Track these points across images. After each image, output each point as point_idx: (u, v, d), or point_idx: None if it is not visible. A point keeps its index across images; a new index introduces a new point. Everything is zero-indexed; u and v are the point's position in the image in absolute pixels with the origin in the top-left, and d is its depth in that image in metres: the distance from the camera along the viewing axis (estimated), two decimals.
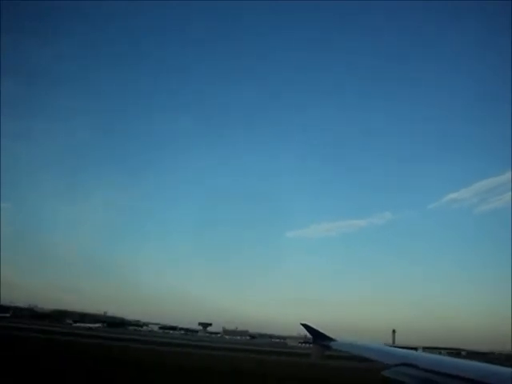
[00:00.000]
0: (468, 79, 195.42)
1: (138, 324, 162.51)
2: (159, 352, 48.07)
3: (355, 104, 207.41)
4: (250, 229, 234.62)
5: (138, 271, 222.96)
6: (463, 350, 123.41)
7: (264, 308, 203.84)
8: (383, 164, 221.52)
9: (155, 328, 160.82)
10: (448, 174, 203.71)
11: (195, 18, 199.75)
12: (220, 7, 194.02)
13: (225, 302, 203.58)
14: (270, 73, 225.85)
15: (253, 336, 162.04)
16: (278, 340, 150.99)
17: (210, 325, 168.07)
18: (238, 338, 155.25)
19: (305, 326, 11.73)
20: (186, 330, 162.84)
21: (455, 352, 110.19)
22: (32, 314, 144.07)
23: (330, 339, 11.24)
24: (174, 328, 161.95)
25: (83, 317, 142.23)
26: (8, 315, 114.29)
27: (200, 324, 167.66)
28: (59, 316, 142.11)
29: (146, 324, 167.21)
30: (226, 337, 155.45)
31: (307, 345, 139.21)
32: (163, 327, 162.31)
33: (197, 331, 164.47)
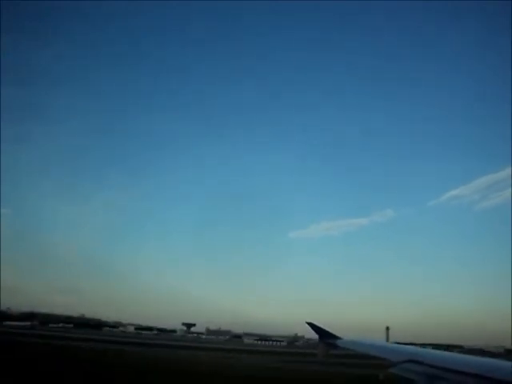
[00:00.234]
0: (468, 79, 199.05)
1: (113, 325, 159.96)
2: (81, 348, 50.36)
3: (355, 104, 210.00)
4: (250, 229, 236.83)
5: (139, 272, 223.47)
6: (461, 346, 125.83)
7: (265, 308, 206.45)
8: (383, 163, 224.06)
9: (131, 329, 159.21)
10: (448, 172, 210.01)
11: (195, 17, 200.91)
12: (220, 7, 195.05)
13: (225, 302, 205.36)
14: (269, 73, 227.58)
15: (238, 336, 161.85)
16: (255, 340, 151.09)
17: (194, 325, 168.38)
18: (221, 337, 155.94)
19: (310, 324, 11.88)
20: (162, 330, 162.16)
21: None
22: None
23: (335, 337, 11.42)
24: (150, 329, 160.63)
25: (47, 317, 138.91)
26: None
27: (184, 324, 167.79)
28: (26, 318, 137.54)
29: (124, 325, 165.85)
30: (203, 336, 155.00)
31: (264, 342, 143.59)
32: (139, 328, 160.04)
33: (175, 331, 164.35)
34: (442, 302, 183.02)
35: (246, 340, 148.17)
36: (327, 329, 11.95)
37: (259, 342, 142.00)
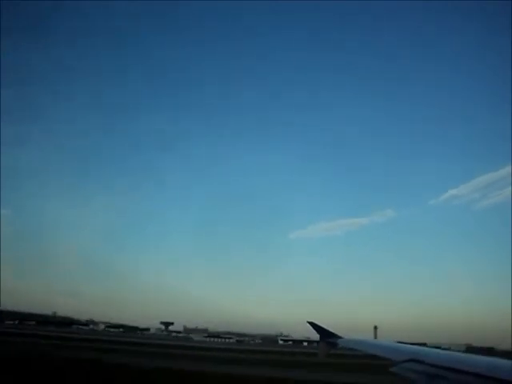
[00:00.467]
0: (468, 79, 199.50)
1: (83, 323, 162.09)
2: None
3: (355, 104, 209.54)
4: (250, 229, 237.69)
5: (139, 273, 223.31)
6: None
7: (265, 308, 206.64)
8: (383, 162, 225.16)
9: (102, 327, 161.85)
10: (448, 171, 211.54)
11: (195, 18, 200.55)
12: (220, 7, 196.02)
13: (225, 302, 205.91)
14: (269, 73, 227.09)
15: (216, 335, 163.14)
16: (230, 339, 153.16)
17: (172, 324, 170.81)
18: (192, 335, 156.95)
19: (311, 323, 11.87)
20: (135, 328, 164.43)
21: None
22: None
23: (336, 337, 11.40)
24: (121, 326, 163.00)
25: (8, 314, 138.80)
26: None
27: (162, 323, 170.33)
28: None
29: (96, 323, 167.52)
30: (179, 335, 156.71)
31: (212, 339, 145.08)
32: (109, 326, 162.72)
33: (149, 329, 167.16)
34: (443, 302, 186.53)
35: (196, 337, 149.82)
36: (328, 328, 11.92)
37: (208, 339, 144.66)
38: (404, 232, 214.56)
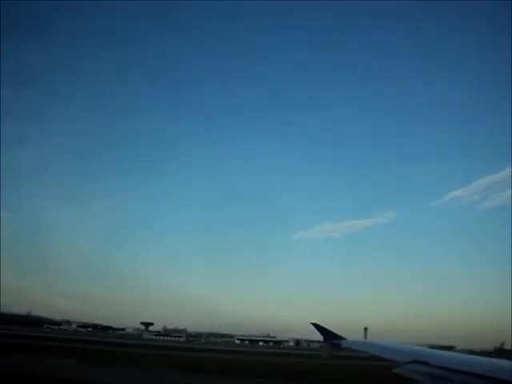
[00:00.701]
0: (468, 79, 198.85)
1: (56, 323, 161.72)
2: None
3: (355, 104, 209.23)
4: (251, 230, 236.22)
5: (140, 273, 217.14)
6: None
7: (267, 309, 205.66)
8: (384, 163, 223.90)
9: (74, 326, 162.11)
10: (449, 172, 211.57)
11: (195, 17, 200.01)
12: (220, 7, 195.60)
13: (227, 303, 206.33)
14: (270, 73, 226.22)
15: (194, 335, 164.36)
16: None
17: (152, 324, 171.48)
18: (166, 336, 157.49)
19: (315, 325, 11.92)
20: (109, 328, 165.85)
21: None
22: None
23: (340, 338, 11.45)
24: (94, 326, 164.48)
25: None
26: None
27: (142, 323, 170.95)
28: None
29: (70, 323, 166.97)
30: (145, 336, 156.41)
31: (164, 337, 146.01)
32: (81, 325, 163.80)
33: (123, 329, 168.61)
34: (444, 303, 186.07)
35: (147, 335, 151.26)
36: (331, 330, 11.96)
37: (158, 337, 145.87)
38: (405, 233, 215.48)
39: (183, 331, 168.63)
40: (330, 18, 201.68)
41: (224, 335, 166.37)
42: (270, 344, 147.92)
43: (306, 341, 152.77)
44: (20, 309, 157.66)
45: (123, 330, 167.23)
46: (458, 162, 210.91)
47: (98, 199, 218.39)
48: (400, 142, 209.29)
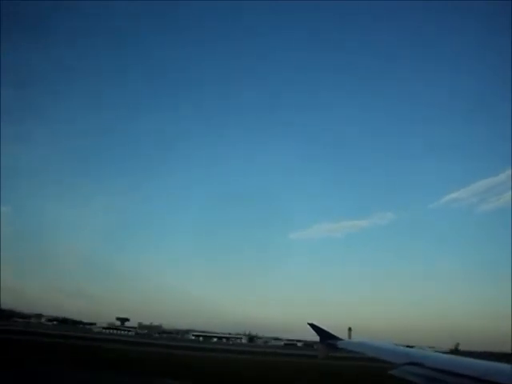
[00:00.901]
0: (468, 79, 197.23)
1: (25, 316, 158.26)
2: None
3: (355, 104, 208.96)
4: (250, 230, 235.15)
5: (140, 273, 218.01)
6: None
7: (265, 309, 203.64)
8: (384, 164, 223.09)
9: (43, 320, 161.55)
10: (448, 174, 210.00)
11: (195, 17, 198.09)
12: (220, 7, 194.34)
13: (226, 303, 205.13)
14: (269, 73, 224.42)
15: (168, 332, 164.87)
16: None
17: (128, 320, 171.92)
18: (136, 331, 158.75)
19: (311, 325, 11.97)
20: (79, 323, 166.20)
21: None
22: None
23: (336, 338, 11.46)
24: (64, 320, 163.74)
25: None
26: None
27: (118, 319, 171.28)
28: None
29: (40, 317, 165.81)
30: (121, 331, 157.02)
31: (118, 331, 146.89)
32: (50, 319, 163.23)
33: (94, 324, 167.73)
34: (442, 304, 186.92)
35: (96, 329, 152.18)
36: (328, 330, 11.97)
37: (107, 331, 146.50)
38: (404, 235, 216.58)
39: (158, 327, 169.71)
40: (330, 17, 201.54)
41: (204, 332, 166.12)
42: (223, 340, 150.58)
43: (261, 338, 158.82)
44: (20, 307, 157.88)
45: (94, 324, 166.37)
46: (457, 164, 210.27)
47: (98, 199, 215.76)
48: (399, 143, 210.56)
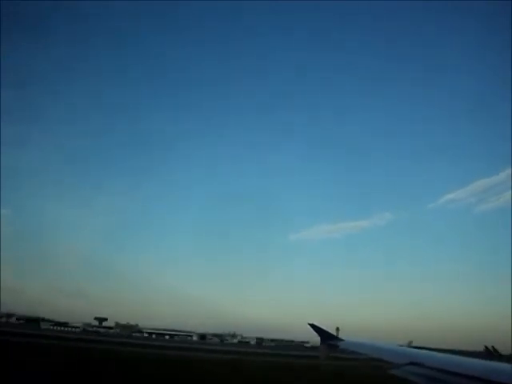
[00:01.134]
0: (468, 79, 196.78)
1: None
2: None
3: (355, 104, 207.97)
4: (249, 230, 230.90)
5: (140, 273, 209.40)
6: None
7: (265, 310, 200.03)
8: (383, 164, 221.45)
9: (13, 319, 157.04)
10: (447, 174, 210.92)
11: (195, 17, 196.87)
12: (220, 7, 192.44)
13: (225, 303, 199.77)
14: (269, 73, 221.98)
15: (139, 330, 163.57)
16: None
17: (106, 319, 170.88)
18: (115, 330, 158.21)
19: (312, 326, 12.03)
20: (57, 323, 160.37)
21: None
22: None
23: (337, 339, 11.51)
24: (36, 320, 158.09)
25: None
26: None
27: (96, 318, 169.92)
28: None
29: (10, 315, 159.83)
30: (101, 330, 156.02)
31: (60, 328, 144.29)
32: (18, 318, 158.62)
33: (67, 323, 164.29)
34: (442, 305, 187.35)
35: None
36: (329, 331, 12.03)
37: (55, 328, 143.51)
38: (403, 235, 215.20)
39: (134, 327, 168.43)
40: (330, 17, 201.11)
41: (188, 332, 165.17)
42: (176, 338, 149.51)
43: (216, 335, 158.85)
44: (20, 308, 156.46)
45: (66, 323, 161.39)
46: (456, 163, 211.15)
47: (98, 199, 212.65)
48: (399, 143, 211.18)
